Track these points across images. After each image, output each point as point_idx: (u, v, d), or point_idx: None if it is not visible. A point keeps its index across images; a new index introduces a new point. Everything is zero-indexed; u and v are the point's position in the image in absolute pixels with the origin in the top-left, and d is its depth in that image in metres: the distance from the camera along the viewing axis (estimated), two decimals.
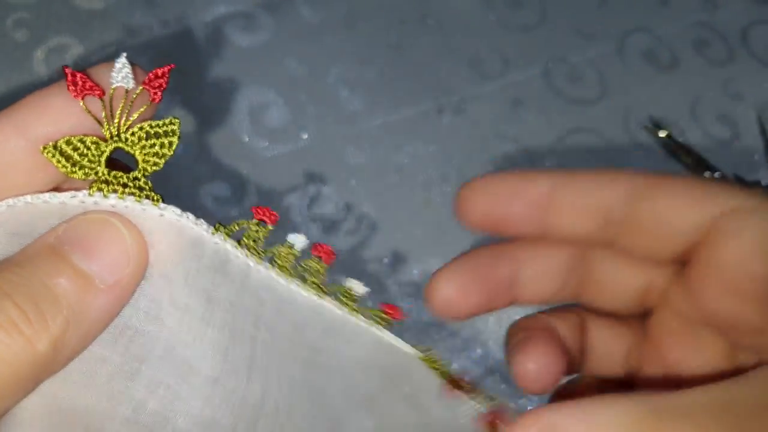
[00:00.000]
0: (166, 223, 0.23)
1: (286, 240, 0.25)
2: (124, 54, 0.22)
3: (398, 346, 0.27)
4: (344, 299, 0.26)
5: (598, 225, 0.24)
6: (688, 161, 0.59)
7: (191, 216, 0.23)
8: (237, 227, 0.24)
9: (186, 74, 0.58)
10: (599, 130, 0.61)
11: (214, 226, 0.24)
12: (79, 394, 0.23)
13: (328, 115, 0.59)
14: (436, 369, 0.28)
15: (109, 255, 0.22)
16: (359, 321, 0.26)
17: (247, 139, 0.57)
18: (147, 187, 0.23)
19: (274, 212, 0.24)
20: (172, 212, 0.23)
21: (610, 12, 0.67)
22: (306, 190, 0.56)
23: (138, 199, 0.22)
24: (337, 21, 0.63)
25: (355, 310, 0.26)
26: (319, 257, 0.26)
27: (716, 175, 0.59)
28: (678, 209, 0.23)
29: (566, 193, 0.24)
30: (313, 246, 0.26)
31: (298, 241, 0.25)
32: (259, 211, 0.24)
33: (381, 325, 0.27)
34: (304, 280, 0.25)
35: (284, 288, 0.25)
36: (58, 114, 0.22)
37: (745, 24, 0.68)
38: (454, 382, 0.28)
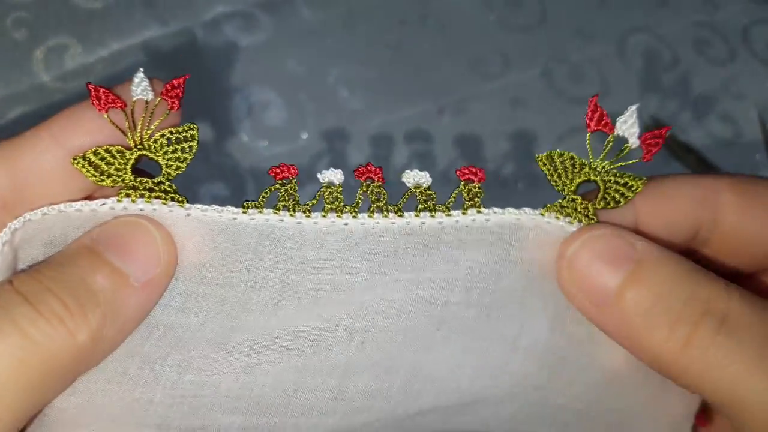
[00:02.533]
0: (193, 220, 0.24)
1: (321, 183, 0.25)
2: (141, 69, 0.25)
3: (508, 219, 0.25)
4: (423, 201, 0.25)
5: None
6: (690, 160, 0.59)
7: (216, 207, 0.24)
8: (266, 197, 0.25)
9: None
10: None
11: (243, 205, 0.25)
12: (111, 389, 0.24)
13: (328, 115, 0.59)
14: (564, 212, 0.26)
15: (141, 255, 0.23)
16: (451, 216, 0.25)
17: (246, 139, 0.57)
18: (172, 190, 0.24)
19: (292, 165, 0.25)
20: (197, 210, 0.24)
21: (611, 12, 0.67)
22: (305, 190, 0.55)
23: (164, 201, 0.24)
24: (337, 21, 0.63)
25: (443, 208, 0.26)
26: (470, 180, 0.26)
27: None
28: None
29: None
30: (459, 172, 0.26)
31: (334, 177, 0.26)
32: (275, 170, 0.25)
33: (475, 203, 0.26)
34: (372, 211, 0.25)
35: (356, 225, 0.25)
36: (91, 126, 0.24)
37: (745, 23, 0.67)
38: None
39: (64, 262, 0.22)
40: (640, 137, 0.25)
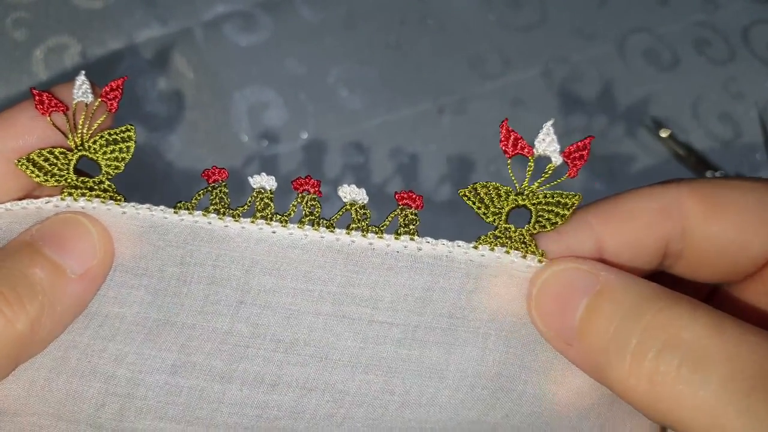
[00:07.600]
0: (128, 217, 0.26)
1: (252, 188, 0.26)
2: (83, 72, 0.26)
3: (437, 249, 0.25)
4: (357, 220, 0.26)
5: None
6: (690, 160, 0.59)
7: (149, 206, 0.26)
8: (198, 198, 0.26)
9: (185, 74, 0.58)
10: (600, 131, 0.61)
11: (175, 206, 0.26)
12: (52, 378, 0.25)
13: (328, 115, 0.58)
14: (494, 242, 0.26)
15: (78, 248, 0.25)
16: (383, 240, 0.26)
17: (246, 139, 0.57)
18: (111, 189, 0.26)
19: (223, 169, 0.26)
20: (131, 207, 0.26)
21: (611, 12, 0.67)
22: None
23: (103, 200, 0.25)
24: (337, 21, 0.63)
25: (376, 229, 0.26)
26: (407, 205, 0.26)
27: (718, 174, 0.59)
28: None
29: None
30: (398, 196, 0.26)
31: (266, 182, 0.26)
32: (208, 174, 0.26)
33: (409, 230, 0.26)
34: (303, 222, 0.26)
35: (284, 234, 0.26)
36: (26, 129, 0.25)
37: (745, 23, 0.67)
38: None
39: (4, 257, 0.24)
40: (562, 152, 0.24)
